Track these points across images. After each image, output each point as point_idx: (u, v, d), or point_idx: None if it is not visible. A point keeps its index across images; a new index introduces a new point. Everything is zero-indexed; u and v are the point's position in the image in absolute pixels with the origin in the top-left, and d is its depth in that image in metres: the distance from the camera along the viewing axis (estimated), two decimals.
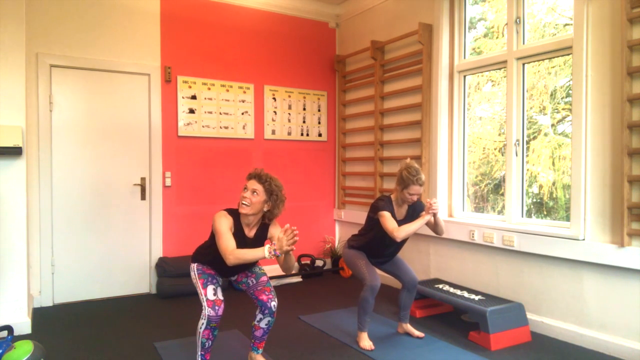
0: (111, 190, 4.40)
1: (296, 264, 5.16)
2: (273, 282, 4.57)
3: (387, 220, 3.05)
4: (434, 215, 3.07)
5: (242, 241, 2.64)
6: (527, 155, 3.76)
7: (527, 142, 3.76)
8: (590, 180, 3.18)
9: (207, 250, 2.70)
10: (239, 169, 4.98)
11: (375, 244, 3.24)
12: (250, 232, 2.71)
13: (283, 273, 4.86)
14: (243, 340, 3.28)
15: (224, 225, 2.56)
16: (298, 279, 5.05)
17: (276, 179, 2.68)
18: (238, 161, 5.00)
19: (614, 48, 3.04)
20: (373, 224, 3.20)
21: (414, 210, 3.24)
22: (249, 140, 5.08)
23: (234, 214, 2.66)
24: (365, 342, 3.16)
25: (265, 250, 2.39)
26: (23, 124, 3.49)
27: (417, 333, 3.35)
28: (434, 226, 3.17)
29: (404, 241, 3.23)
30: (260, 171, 2.66)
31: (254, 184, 2.61)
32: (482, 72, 4.14)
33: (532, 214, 3.78)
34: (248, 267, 2.81)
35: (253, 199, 2.60)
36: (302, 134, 5.42)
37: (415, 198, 3.12)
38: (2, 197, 3.40)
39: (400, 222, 3.13)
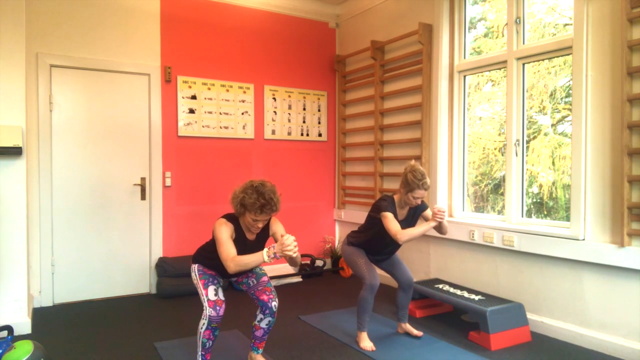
0: (111, 190, 4.40)
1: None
2: (273, 282, 4.57)
3: (390, 221, 3.03)
4: (440, 222, 3.05)
5: (243, 245, 2.64)
6: (527, 155, 3.76)
7: (527, 142, 3.76)
8: (590, 180, 3.18)
9: (210, 255, 2.69)
10: (239, 169, 4.99)
11: (375, 243, 3.24)
12: (252, 235, 2.70)
13: (283, 273, 4.90)
14: (243, 340, 3.28)
15: (225, 233, 2.56)
16: (298, 279, 5.05)
17: (274, 188, 2.59)
18: (238, 161, 5.01)
19: (614, 48, 3.04)
20: (374, 222, 3.19)
21: (416, 210, 3.24)
22: (249, 140, 5.08)
23: (234, 219, 2.65)
24: (366, 343, 3.16)
25: (264, 255, 2.39)
26: (23, 124, 3.49)
27: (415, 332, 3.35)
28: (439, 228, 3.14)
29: None
30: (271, 200, 2.51)
31: (267, 216, 2.57)
32: (482, 72, 4.14)
33: (532, 214, 3.78)
34: None
35: (262, 225, 2.61)
36: (302, 134, 5.42)
37: (419, 202, 3.10)
38: (2, 197, 3.40)
39: (401, 223, 3.12)
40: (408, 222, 3.22)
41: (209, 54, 4.84)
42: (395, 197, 3.19)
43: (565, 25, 3.55)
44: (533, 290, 3.52)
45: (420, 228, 3.02)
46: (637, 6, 2.89)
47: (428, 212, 3.22)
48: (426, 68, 4.34)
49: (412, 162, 3.14)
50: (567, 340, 3.28)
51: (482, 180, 4.25)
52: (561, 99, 3.69)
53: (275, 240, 2.67)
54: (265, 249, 2.41)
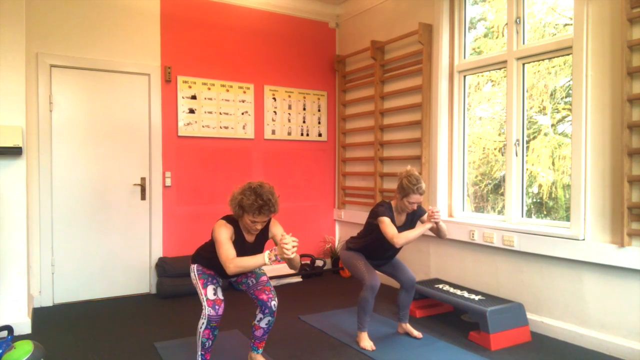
0: (111, 190, 4.40)
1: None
2: (273, 282, 4.57)
3: (387, 226, 3.04)
4: (436, 223, 3.06)
5: (242, 247, 2.63)
6: (527, 155, 3.76)
7: (527, 142, 3.76)
8: (590, 180, 3.18)
9: (209, 255, 2.69)
10: (239, 169, 4.99)
11: (374, 248, 3.25)
12: (251, 237, 2.70)
13: (283, 273, 4.90)
14: (243, 340, 3.28)
15: (224, 234, 2.55)
16: (298, 279, 5.05)
17: (272, 189, 2.58)
18: (238, 161, 5.01)
19: (614, 48, 3.04)
20: (372, 229, 3.20)
21: (414, 216, 3.24)
22: (249, 140, 5.08)
23: (233, 221, 2.64)
24: (366, 343, 3.16)
25: (265, 257, 2.39)
26: (23, 124, 3.49)
27: (415, 333, 3.35)
28: (437, 231, 3.15)
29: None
30: (269, 201, 2.50)
31: (265, 218, 2.55)
32: (482, 72, 4.14)
33: (532, 214, 3.78)
34: None
35: (260, 227, 2.60)
36: (302, 134, 5.42)
37: (415, 207, 3.11)
38: (2, 197, 3.40)
39: (400, 229, 3.13)
40: (406, 227, 3.22)
41: (209, 54, 4.84)
42: (393, 203, 3.20)
43: (565, 25, 3.55)
44: (533, 290, 3.52)
45: (417, 230, 3.02)
46: (637, 6, 2.89)
47: (426, 217, 3.22)
48: (426, 68, 4.34)
49: (408, 167, 3.16)
50: (567, 340, 3.28)
51: (482, 180, 4.25)
52: (561, 99, 3.69)
53: (275, 243, 2.67)
54: (267, 252, 2.41)
